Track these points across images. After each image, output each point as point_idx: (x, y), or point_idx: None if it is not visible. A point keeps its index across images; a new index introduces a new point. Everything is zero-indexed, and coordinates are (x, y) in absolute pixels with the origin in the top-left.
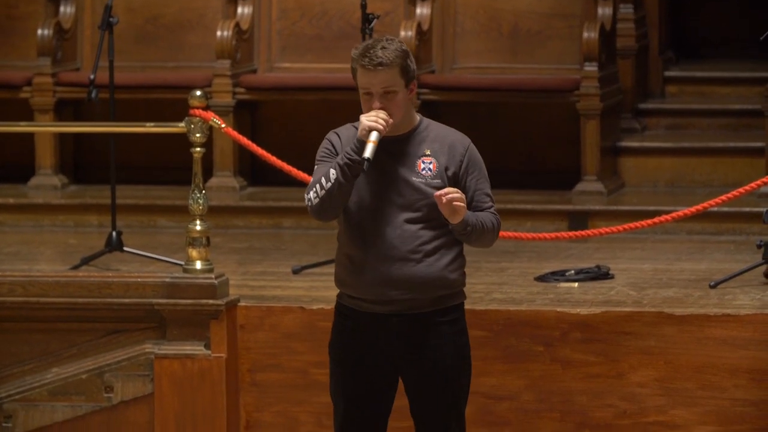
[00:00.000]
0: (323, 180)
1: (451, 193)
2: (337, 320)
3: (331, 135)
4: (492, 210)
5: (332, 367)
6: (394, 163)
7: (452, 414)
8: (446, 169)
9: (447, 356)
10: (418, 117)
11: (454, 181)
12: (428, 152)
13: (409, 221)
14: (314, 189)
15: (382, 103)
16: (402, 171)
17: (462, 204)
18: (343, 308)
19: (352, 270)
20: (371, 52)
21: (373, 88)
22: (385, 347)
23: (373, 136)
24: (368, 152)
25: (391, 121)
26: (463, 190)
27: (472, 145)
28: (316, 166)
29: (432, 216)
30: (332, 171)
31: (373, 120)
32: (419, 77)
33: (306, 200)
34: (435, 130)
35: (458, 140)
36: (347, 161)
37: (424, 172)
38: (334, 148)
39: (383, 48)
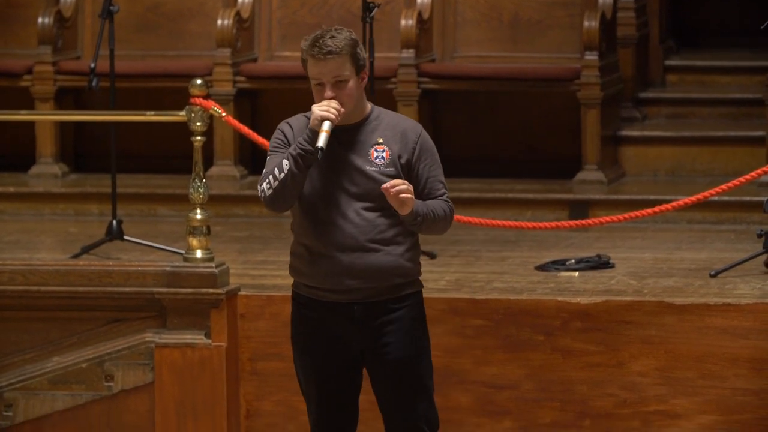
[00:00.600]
0: (276, 170)
1: (398, 185)
2: (294, 310)
3: (282, 125)
4: (445, 197)
5: (296, 357)
6: (347, 152)
7: (419, 401)
8: (399, 156)
9: (405, 345)
10: (369, 106)
11: (407, 168)
12: (380, 140)
13: (366, 210)
14: (267, 180)
15: (333, 92)
16: (355, 160)
17: (409, 195)
18: (300, 297)
19: (309, 260)
20: (320, 41)
21: (324, 77)
22: (345, 335)
23: (326, 125)
24: (321, 141)
25: (342, 110)
26: (416, 177)
27: (424, 132)
28: (268, 157)
29: (387, 204)
30: (285, 161)
31: (324, 109)
32: (420, 66)
33: (259, 191)
34: (387, 118)
35: (410, 128)
36: (300, 151)
37: (377, 160)
38: (286, 138)
39: (332, 37)
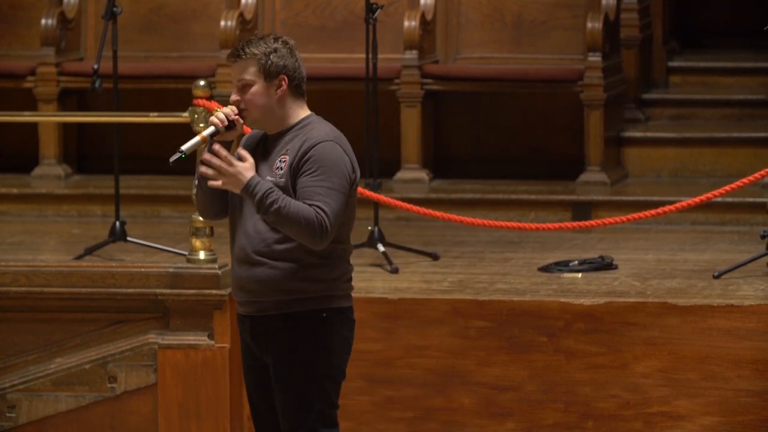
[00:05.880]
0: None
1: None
2: None
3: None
4: (316, 207)
5: None
6: (261, 161)
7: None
8: (291, 165)
9: (286, 369)
10: (300, 116)
11: (293, 175)
12: (287, 150)
13: (263, 221)
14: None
15: (238, 96)
16: (263, 169)
17: (209, 172)
18: None
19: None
20: (238, 45)
21: (232, 79)
22: (251, 347)
23: (207, 130)
24: (186, 145)
25: (235, 117)
26: (297, 184)
27: (327, 144)
28: None
29: None
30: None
31: (216, 114)
32: (423, 67)
33: None
34: (309, 130)
35: (317, 137)
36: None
37: (277, 170)
38: None
39: (249, 42)
